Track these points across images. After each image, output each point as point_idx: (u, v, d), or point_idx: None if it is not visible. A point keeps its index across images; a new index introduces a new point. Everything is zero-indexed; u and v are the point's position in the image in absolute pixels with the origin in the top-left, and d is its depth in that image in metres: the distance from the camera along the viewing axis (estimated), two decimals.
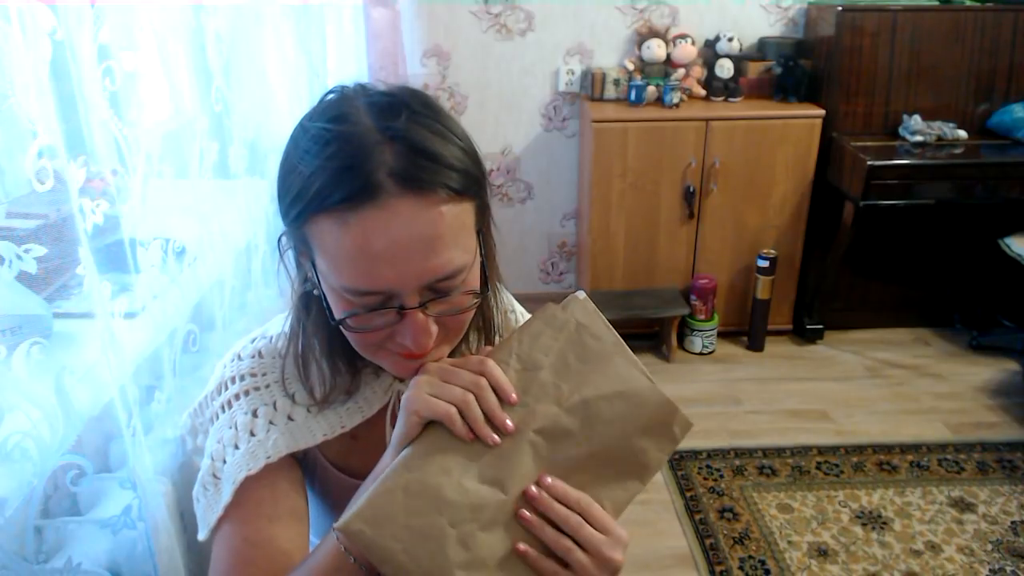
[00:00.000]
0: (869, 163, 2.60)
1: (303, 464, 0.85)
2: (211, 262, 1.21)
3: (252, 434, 0.80)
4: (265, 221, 1.46)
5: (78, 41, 0.83)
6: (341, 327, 0.71)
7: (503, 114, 3.12)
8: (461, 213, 0.67)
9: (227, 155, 1.27)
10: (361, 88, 0.70)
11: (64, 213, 0.92)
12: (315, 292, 0.74)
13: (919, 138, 2.73)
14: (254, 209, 1.39)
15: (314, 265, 0.70)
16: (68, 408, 0.82)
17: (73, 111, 0.85)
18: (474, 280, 0.71)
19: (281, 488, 0.80)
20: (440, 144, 0.66)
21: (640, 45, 2.96)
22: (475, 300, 0.72)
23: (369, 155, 0.63)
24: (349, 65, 2.43)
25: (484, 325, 0.84)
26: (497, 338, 0.85)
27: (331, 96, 0.70)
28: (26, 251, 0.77)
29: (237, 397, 0.82)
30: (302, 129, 0.69)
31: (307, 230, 0.67)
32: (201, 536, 0.80)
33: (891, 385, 2.80)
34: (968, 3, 2.77)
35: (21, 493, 0.78)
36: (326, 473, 0.86)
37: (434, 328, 0.69)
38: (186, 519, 1.07)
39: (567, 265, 3.40)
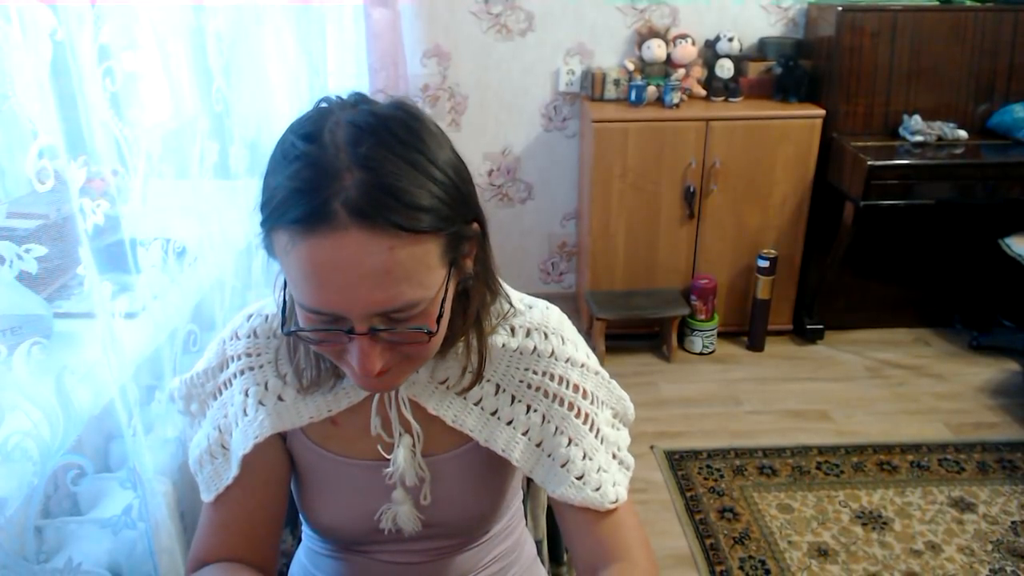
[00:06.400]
0: (869, 163, 2.60)
1: (288, 441, 0.89)
2: (211, 262, 1.21)
3: (245, 414, 0.84)
4: None
5: (78, 41, 0.83)
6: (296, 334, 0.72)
7: (503, 114, 3.12)
8: (419, 251, 0.65)
9: (227, 155, 1.27)
10: (353, 102, 0.69)
11: (64, 213, 0.92)
12: (284, 293, 0.74)
13: (919, 138, 2.73)
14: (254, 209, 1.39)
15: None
16: (68, 408, 0.83)
17: (73, 111, 0.85)
18: (433, 311, 0.69)
19: (266, 464, 0.86)
20: (409, 180, 0.64)
21: (640, 45, 2.96)
22: (427, 334, 0.69)
23: (330, 181, 0.62)
24: (349, 65, 2.43)
25: (478, 344, 0.82)
26: (496, 330, 0.83)
27: (320, 106, 0.70)
28: (26, 251, 0.77)
29: (235, 376, 0.86)
30: (282, 139, 0.69)
31: (272, 237, 0.68)
32: (206, 499, 0.86)
33: (891, 385, 2.80)
34: (968, 3, 2.77)
35: (21, 493, 0.78)
36: (308, 451, 0.89)
37: (382, 357, 0.69)
38: (186, 519, 1.07)
39: (567, 265, 3.40)
